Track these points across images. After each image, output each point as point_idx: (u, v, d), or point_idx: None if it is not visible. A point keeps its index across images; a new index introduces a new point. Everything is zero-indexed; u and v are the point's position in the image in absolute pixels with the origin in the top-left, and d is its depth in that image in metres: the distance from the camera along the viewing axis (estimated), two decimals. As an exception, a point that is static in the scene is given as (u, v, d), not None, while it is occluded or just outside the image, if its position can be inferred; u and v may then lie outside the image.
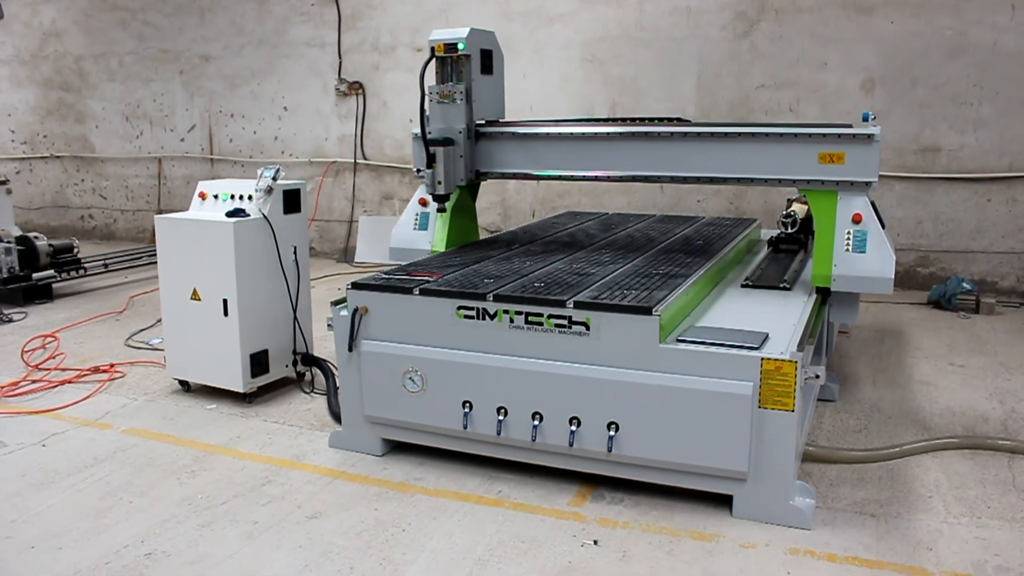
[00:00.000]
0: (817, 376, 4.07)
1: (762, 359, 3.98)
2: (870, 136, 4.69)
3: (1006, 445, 4.95)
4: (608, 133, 5.35)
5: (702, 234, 6.44)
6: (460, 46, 5.51)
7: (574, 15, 10.04)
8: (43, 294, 9.21)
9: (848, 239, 4.78)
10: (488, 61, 5.80)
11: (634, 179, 5.41)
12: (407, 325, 4.71)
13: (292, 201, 6.10)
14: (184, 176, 12.63)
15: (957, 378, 6.34)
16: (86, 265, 9.75)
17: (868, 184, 4.78)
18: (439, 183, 5.51)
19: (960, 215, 8.91)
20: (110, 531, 4.21)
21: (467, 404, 4.56)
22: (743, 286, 5.41)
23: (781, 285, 5.28)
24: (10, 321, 8.31)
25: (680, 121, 5.41)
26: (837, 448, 4.95)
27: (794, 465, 4.09)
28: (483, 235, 10.52)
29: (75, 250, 9.67)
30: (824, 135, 4.78)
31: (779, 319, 4.50)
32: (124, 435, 5.46)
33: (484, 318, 4.49)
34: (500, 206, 10.72)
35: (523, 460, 4.61)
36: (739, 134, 4.99)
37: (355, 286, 4.86)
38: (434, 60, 5.62)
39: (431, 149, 5.46)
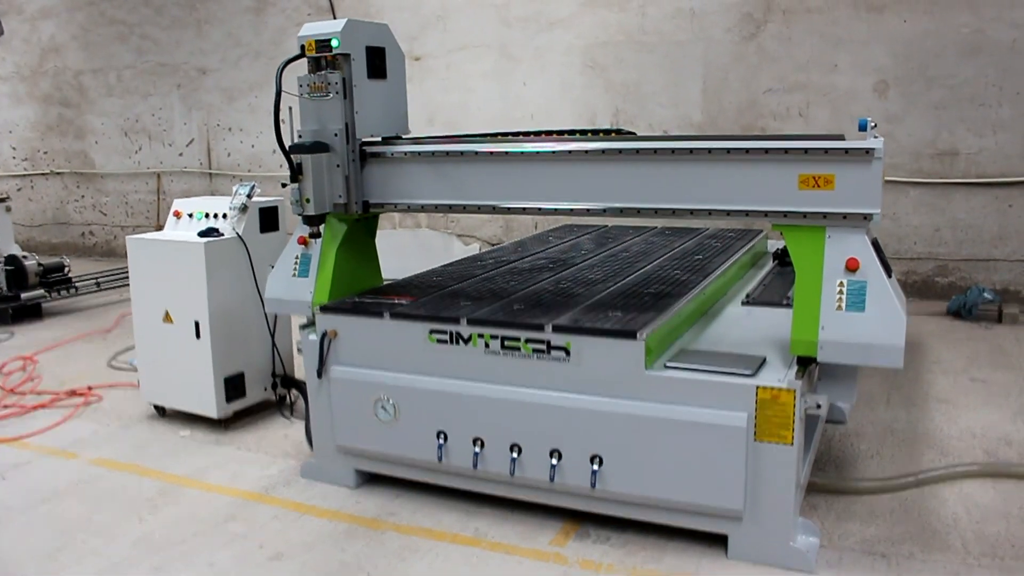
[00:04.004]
0: (819, 406, 3.70)
1: (757, 387, 3.62)
2: (869, 152, 3.48)
3: (1031, 473, 4.56)
4: (504, 152, 4.15)
5: (703, 248, 6.08)
6: (334, 43, 4.27)
7: (574, 19, 9.71)
8: (32, 314, 9.00)
9: (840, 293, 3.59)
10: (379, 62, 4.54)
11: (548, 212, 4.15)
12: (378, 350, 4.39)
13: (269, 219, 5.82)
14: (183, 191, 12.40)
15: (978, 396, 5.94)
16: (78, 284, 9.53)
17: (867, 217, 3.55)
18: (307, 201, 4.35)
19: (980, 222, 8.48)
20: (57, 576, 3.93)
21: (442, 435, 4.23)
22: (744, 304, 5.05)
23: (784, 302, 4.91)
24: (-6, 342, 8.09)
25: (621, 133, 4.32)
26: (846, 479, 4.58)
27: (795, 502, 3.72)
28: (484, 248, 10.28)
29: (66, 268, 9.44)
30: (806, 150, 3.57)
31: (780, 341, 4.11)
32: (89, 465, 5.18)
33: (458, 343, 4.16)
34: (502, 218, 10.40)
35: (502, 495, 4.28)
36: (690, 150, 3.77)
37: (324, 309, 4.55)
38: (304, 62, 4.46)
39: (295, 158, 4.33)
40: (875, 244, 3.67)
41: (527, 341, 4.00)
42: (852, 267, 3.58)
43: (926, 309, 8.25)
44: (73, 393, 6.43)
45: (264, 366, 5.84)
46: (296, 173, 4.32)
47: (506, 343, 4.05)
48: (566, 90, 9.89)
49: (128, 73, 12.60)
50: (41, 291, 9.07)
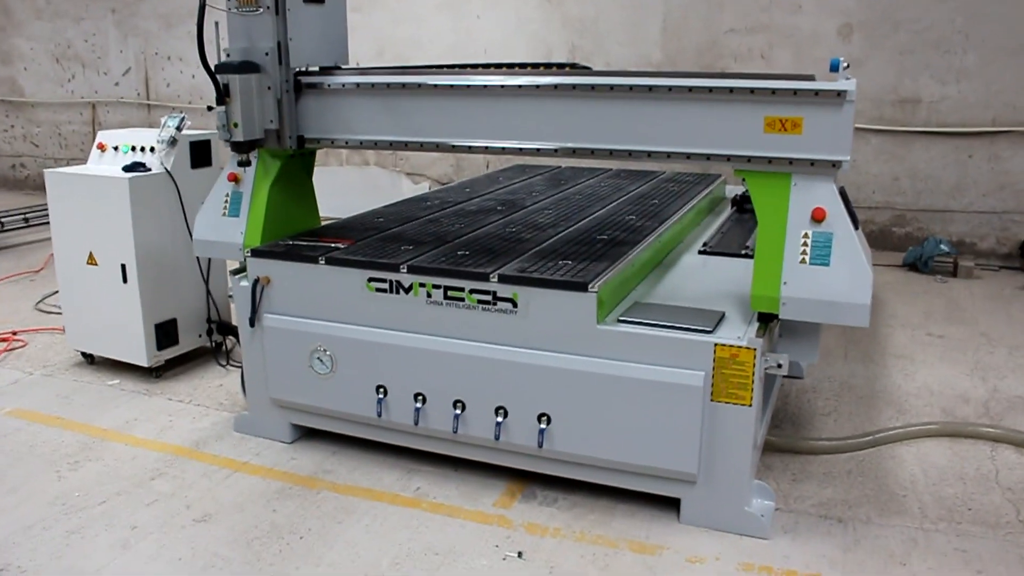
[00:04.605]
0: (779, 365, 3.50)
1: (715, 344, 3.41)
2: (840, 94, 3.22)
3: (989, 433, 4.45)
4: (450, 85, 3.84)
5: (659, 192, 5.84)
6: None
7: (533, -50, 9.28)
8: (-47, 251, 8.51)
9: (805, 245, 3.36)
10: None
11: (496, 151, 3.88)
12: (314, 298, 4.10)
13: (201, 153, 5.43)
14: (120, 123, 11.78)
15: (935, 350, 5.83)
16: (3, 220, 9.01)
17: (836, 165, 3.31)
18: (235, 125, 4.02)
19: (939, 172, 8.35)
20: (-38, 539, 3.63)
21: (381, 389, 3.98)
22: (700, 253, 4.83)
23: (743, 252, 4.70)
24: (-89, 282, 7.61)
25: (575, 68, 4.01)
26: (802, 438, 4.43)
27: (751, 465, 3.55)
28: (434, 187, 9.93)
29: (-10, 203, 8.92)
30: (773, 91, 3.30)
31: (739, 294, 3.89)
32: (7, 417, 4.84)
33: (398, 292, 3.89)
34: (453, 157, 10.04)
35: (444, 453, 4.05)
36: (649, 88, 3.48)
37: (255, 253, 4.23)
38: None
39: (221, 78, 4.00)
40: (842, 193, 3.43)
41: (472, 291, 3.74)
42: (818, 217, 3.34)
43: (883, 260, 8.13)
44: (-7, 338, 6.06)
45: (199, 311, 5.51)
46: (223, 95, 3.98)
47: (449, 293, 3.79)
48: (521, 25, 9.48)
49: (59, -5, 11.85)
50: (-38, 227, 8.58)
